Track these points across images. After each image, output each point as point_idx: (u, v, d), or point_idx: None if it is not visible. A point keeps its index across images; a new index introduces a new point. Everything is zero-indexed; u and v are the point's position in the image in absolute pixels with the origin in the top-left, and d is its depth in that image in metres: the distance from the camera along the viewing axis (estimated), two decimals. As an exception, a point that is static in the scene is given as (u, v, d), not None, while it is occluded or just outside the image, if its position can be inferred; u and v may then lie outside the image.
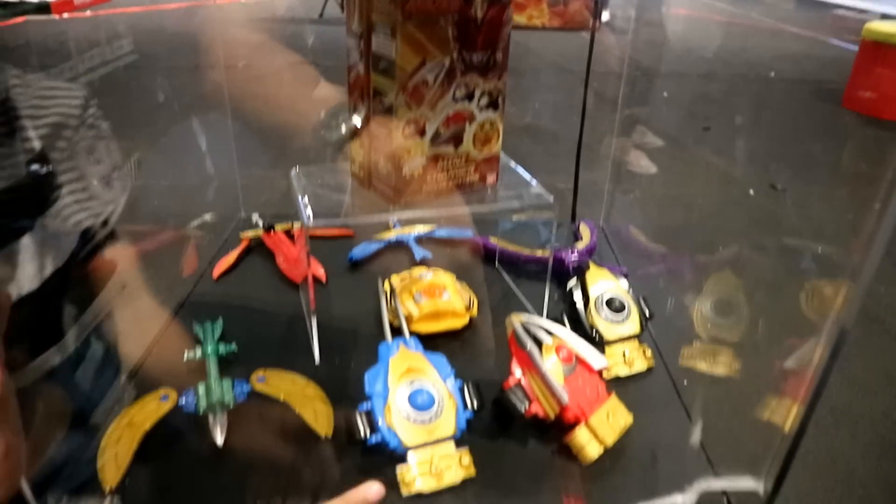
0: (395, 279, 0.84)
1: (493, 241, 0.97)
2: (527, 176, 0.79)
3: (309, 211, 0.70)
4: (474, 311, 0.82)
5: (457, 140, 0.71)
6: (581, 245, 0.96)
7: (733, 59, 5.55)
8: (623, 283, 0.79)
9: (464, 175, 0.73)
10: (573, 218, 1.12)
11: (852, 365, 1.92)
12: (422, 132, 0.68)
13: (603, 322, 0.74)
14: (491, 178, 0.75)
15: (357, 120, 0.71)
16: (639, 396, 0.70)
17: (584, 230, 1.01)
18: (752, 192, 2.93)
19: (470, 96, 0.69)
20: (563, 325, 0.75)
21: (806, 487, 1.54)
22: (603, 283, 0.77)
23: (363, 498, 0.47)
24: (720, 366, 0.73)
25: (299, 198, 0.73)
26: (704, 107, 4.37)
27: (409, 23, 0.62)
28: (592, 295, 0.76)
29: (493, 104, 0.71)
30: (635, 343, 0.75)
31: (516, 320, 0.67)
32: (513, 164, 0.81)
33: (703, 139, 3.73)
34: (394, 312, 0.76)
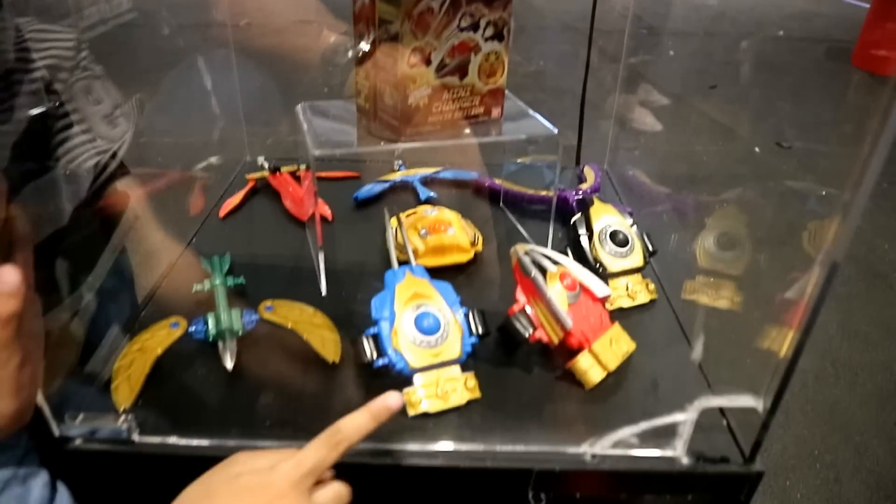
0: (401, 216, 0.85)
1: (498, 182, 0.97)
2: (530, 110, 0.79)
3: (314, 141, 0.70)
4: (479, 246, 0.83)
5: (462, 71, 0.70)
6: (585, 186, 0.96)
7: (741, 18, 5.45)
8: (627, 219, 0.79)
9: (469, 107, 0.73)
10: (577, 162, 1.11)
11: (854, 318, 1.93)
12: (427, 61, 0.67)
13: (607, 255, 0.74)
14: (496, 112, 0.75)
15: (363, 49, 0.70)
16: (641, 327, 0.71)
17: (589, 172, 1.01)
18: (757, 149, 2.91)
19: (475, 26, 0.69)
20: (568, 257, 0.76)
21: (804, 435, 1.57)
22: (607, 218, 0.77)
23: (385, 406, 0.49)
24: (722, 299, 0.74)
25: (305, 130, 0.73)
26: (711, 65, 4.32)
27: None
28: (596, 229, 0.76)
29: (498, 35, 0.71)
30: (638, 277, 0.76)
31: (521, 249, 0.68)
32: (515, 99, 0.81)
33: (710, 97, 3.69)
34: (400, 247, 0.77)
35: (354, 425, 0.48)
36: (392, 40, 0.66)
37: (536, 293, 0.64)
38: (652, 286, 0.76)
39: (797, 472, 1.47)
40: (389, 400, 0.49)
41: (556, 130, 0.74)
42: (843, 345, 1.84)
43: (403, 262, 0.73)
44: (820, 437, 1.56)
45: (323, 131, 0.73)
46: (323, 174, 1.03)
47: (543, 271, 0.65)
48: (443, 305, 0.63)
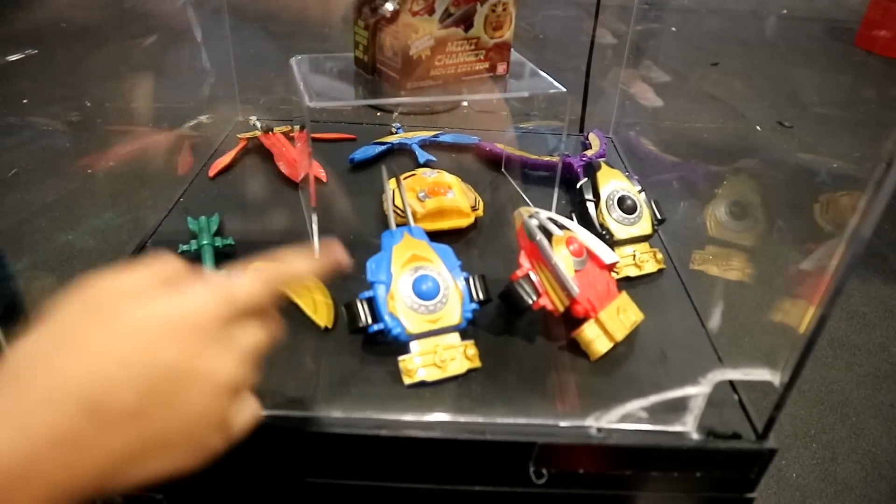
0: (400, 177, 0.81)
1: (500, 147, 0.93)
2: (539, 70, 0.75)
3: (309, 93, 0.66)
4: (480, 211, 0.79)
5: (467, 22, 0.66)
6: (591, 153, 0.92)
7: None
8: (636, 185, 0.76)
9: (473, 61, 0.69)
10: (581, 128, 1.07)
11: (853, 298, 1.91)
12: (430, 10, 0.63)
13: (614, 221, 0.71)
14: (502, 68, 0.71)
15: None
16: (649, 296, 0.68)
17: (594, 139, 0.97)
18: (758, 128, 2.87)
19: (482, -27, 0.64)
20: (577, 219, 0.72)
21: (800, 414, 1.55)
22: (615, 183, 0.74)
23: (335, 261, 0.44)
24: (732, 270, 0.71)
25: (299, 84, 0.69)
26: (714, 42, 4.26)
27: None
28: (603, 194, 0.73)
29: (505, -15, 0.67)
30: (646, 245, 0.73)
31: (525, 213, 0.64)
32: (523, 58, 0.77)
33: (711, 73, 3.64)
34: (399, 210, 0.73)
35: (299, 268, 0.42)
36: (393, -15, 0.62)
37: (541, 258, 0.60)
38: (660, 255, 0.73)
39: (792, 451, 1.45)
40: (343, 261, 0.44)
41: (564, 89, 0.70)
42: (842, 325, 1.82)
43: (402, 225, 0.69)
44: (816, 417, 1.55)
45: (318, 85, 0.69)
46: (317, 135, 0.99)
47: (549, 236, 0.62)
48: (442, 269, 0.59)
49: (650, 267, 0.71)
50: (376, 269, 0.58)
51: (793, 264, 0.51)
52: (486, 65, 0.70)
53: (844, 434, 1.50)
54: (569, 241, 0.61)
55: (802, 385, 1.63)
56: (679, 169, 0.85)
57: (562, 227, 0.63)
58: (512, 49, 0.75)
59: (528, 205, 0.85)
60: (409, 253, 0.59)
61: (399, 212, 0.72)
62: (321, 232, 0.73)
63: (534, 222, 0.62)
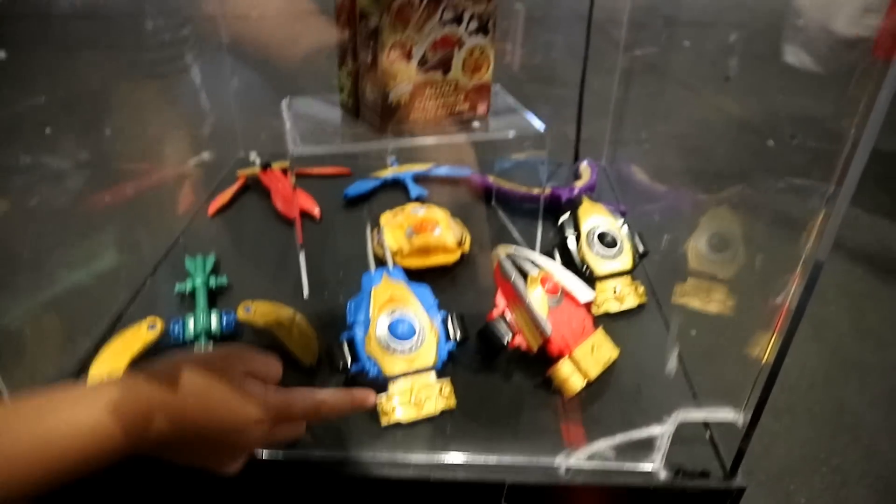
0: (388, 214, 0.83)
1: (491, 179, 0.95)
2: (519, 106, 0.77)
3: (294, 138, 0.68)
4: (466, 246, 0.81)
5: (445, 66, 0.68)
6: (580, 183, 0.93)
7: (760, 7, 5.35)
8: (618, 219, 0.77)
9: (453, 103, 0.71)
10: (576, 157, 1.09)
11: (867, 317, 1.89)
12: (408, 56, 0.65)
13: (594, 257, 0.72)
14: (482, 108, 0.73)
15: (344, 44, 0.69)
16: (628, 332, 0.69)
17: (585, 169, 0.98)
18: (771, 142, 2.85)
19: (458, 19, 0.66)
20: (554, 259, 0.74)
21: (810, 437, 1.53)
22: (595, 218, 0.75)
23: (362, 403, 0.50)
24: (712, 303, 0.72)
25: (287, 126, 0.71)
26: (727, 57, 4.24)
27: (394, -60, 0.60)
28: (584, 229, 0.74)
29: (482, 28, 0.69)
30: (628, 279, 0.74)
31: (502, 252, 0.66)
32: (505, 94, 0.79)
33: (724, 89, 3.62)
34: (381, 247, 0.75)
35: (333, 407, 0.49)
36: (372, 35, 0.64)
37: (516, 298, 0.62)
38: (641, 289, 0.74)
39: (801, 475, 1.44)
40: (368, 401, 0.50)
41: (543, 128, 0.72)
42: (855, 344, 1.80)
43: (382, 265, 0.71)
44: (827, 440, 1.53)
45: (305, 127, 0.72)
46: (312, 171, 1.01)
47: (525, 275, 0.63)
48: (419, 310, 0.61)
49: (631, 301, 0.72)
50: (355, 311, 0.61)
51: (766, 295, 0.51)
52: (466, 105, 0.72)
53: (856, 457, 1.48)
54: (543, 280, 0.63)
55: (813, 406, 1.61)
56: (667, 197, 0.86)
57: (538, 265, 0.65)
58: (498, 85, 0.77)
59: (515, 238, 0.86)
60: (386, 295, 0.61)
61: (380, 253, 0.74)
62: (311, 270, 0.75)
63: (509, 262, 0.64)
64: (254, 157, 1.04)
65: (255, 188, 0.98)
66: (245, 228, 0.90)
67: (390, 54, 0.64)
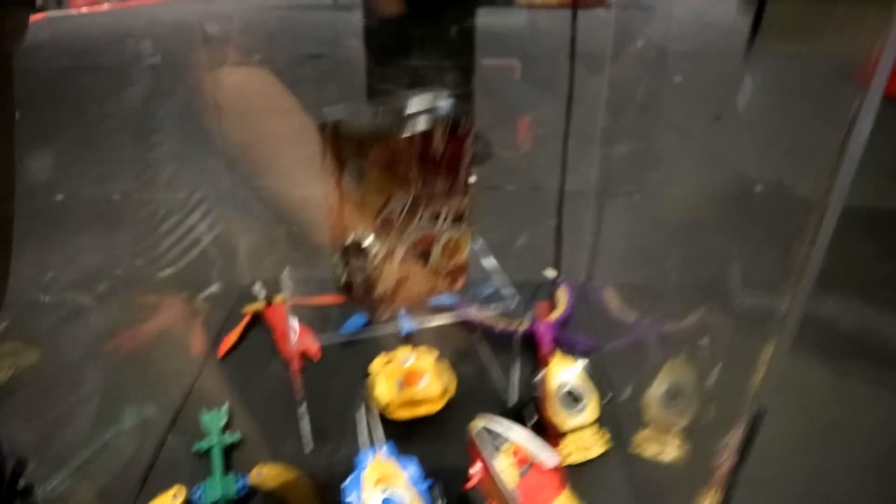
0: (380, 361, 0.93)
1: (474, 313, 1.05)
2: (496, 270, 0.87)
3: (296, 325, 0.79)
4: (452, 391, 0.91)
5: (425, 258, 0.78)
6: (556, 314, 1.03)
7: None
8: (585, 368, 0.87)
9: (434, 284, 0.81)
10: (557, 265, 1.18)
11: (846, 380, 1.96)
12: (391, 256, 0.75)
13: (561, 414, 0.82)
14: (460, 283, 0.83)
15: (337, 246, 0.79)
16: (593, 482, 0.78)
17: (562, 295, 1.08)
18: (759, 188, 2.93)
19: (435, 218, 0.77)
20: (533, 414, 0.83)
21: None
22: (564, 373, 0.85)
23: None
24: (668, 452, 0.81)
25: (287, 305, 0.82)
26: (718, 91, 4.31)
27: (375, 168, 0.70)
28: (553, 386, 0.84)
29: (457, 219, 0.79)
30: (594, 428, 0.83)
31: (479, 423, 0.76)
32: (487, 257, 0.89)
33: (713, 130, 3.70)
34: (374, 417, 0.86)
35: None
36: (358, 243, 0.75)
37: (488, 472, 0.72)
38: (607, 436, 0.83)
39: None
40: None
41: (514, 299, 0.82)
42: (836, 407, 1.87)
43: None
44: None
45: (303, 311, 0.82)
46: (309, 301, 1.11)
47: (499, 445, 0.73)
48: (407, 486, 0.71)
49: (596, 450, 0.82)
50: (349, 491, 0.70)
51: (718, 446, 0.59)
52: (447, 282, 0.82)
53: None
54: (515, 452, 0.73)
55: (786, 473, 1.68)
56: (635, 330, 0.95)
57: (508, 438, 0.74)
58: (480, 242, 0.87)
59: (496, 379, 0.96)
60: (377, 475, 0.71)
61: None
62: (314, 416, 0.85)
63: (483, 436, 0.74)
64: (258, 289, 1.13)
65: (260, 323, 1.08)
66: (252, 371, 0.99)
67: (376, 259, 0.75)
